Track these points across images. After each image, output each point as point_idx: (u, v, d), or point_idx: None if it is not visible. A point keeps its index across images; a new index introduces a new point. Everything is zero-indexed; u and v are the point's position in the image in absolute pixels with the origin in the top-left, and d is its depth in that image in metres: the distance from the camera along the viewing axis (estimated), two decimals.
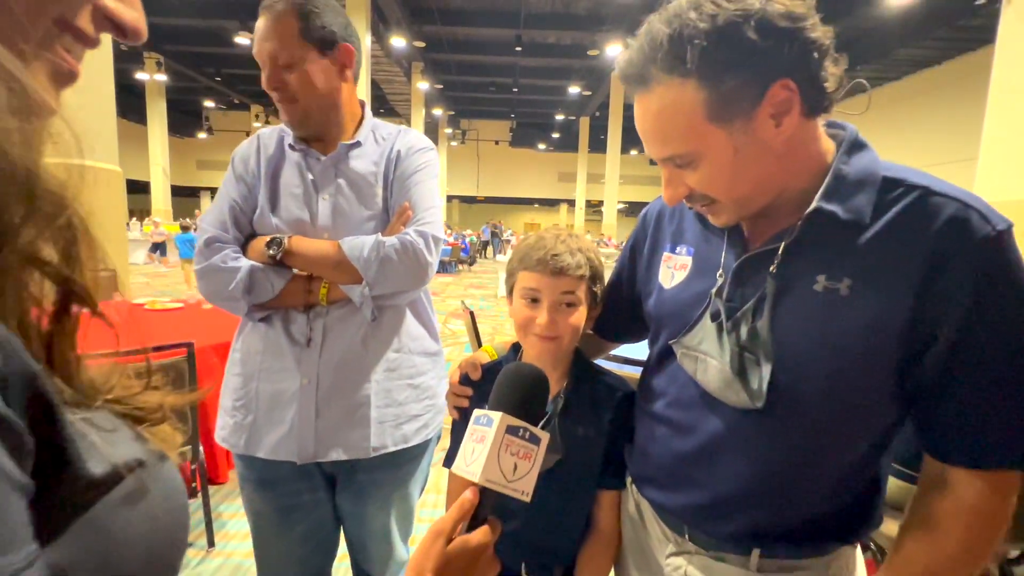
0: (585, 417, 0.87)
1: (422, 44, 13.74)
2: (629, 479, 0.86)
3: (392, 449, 1.07)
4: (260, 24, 1.00)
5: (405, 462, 1.12)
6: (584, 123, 21.43)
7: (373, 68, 13.38)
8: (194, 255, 1.05)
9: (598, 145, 21.81)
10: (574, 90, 17.23)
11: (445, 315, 7.16)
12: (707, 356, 0.68)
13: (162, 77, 15.64)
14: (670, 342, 0.74)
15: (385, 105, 22.34)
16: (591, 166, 21.72)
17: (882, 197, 0.61)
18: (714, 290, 0.70)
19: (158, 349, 1.72)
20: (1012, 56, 4.06)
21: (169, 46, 14.39)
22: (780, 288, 0.64)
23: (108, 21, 0.35)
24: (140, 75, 15.58)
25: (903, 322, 0.58)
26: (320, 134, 1.09)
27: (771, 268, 0.64)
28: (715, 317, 0.69)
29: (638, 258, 0.88)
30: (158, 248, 12.53)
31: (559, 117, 22.71)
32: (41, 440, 0.25)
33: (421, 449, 1.14)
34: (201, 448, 1.95)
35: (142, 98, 16.75)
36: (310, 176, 1.08)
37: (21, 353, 0.24)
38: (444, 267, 12.95)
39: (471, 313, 2.50)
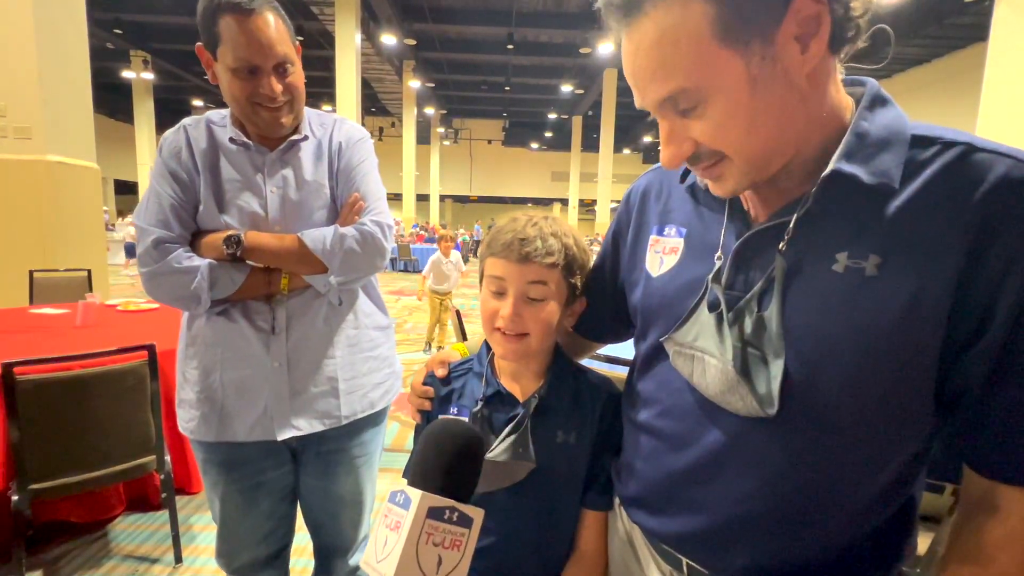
0: (565, 421, 0.77)
1: (413, 42, 13.63)
2: (616, 500, 0.77)
3: (361, 415, 1.14)
4: (254, 26, 0.95)
5: (370, 427, 1.19)
6: (577, 122, 21.37)
7: (364, 66, 13.25)
8: (140, 257, 1.00)
9: (591, 144, 21.76)
10: (566, 88, 17.16)
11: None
12: (704, 354, 0.58)
13: (149, 75, 15.40)
14: (661, 339, 0.64)
15: (376, 104, 22.19)
16: (584, 165, 21.65)
17: (913, 157, 0.51)
18: (711, 275, 0.60)
19: (116, 352, 1.61)
20: (1005, 51, 4.03)
21: (156, 44, 14.16)
22: (792, 269, 0.54)
23: None
24: (127, 73, 15.33)
25: (945, 306, 0.48)
26: (269, 126, 1.05)
27: (780, 246, 0.54)
28: (713, 307, 0.59)
29: (621, 244, 0.78)
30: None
31: (552, 116, 22.63)
32: None
33: (383, 414, 1.23)
34: (168, 457, 1.84)
35: (129, 97, 16.49)
36: (255, 170, 1.07)
37: None
38: None
39: (457, 312, 2.43)
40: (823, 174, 0.52)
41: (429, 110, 20.61)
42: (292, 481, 1.17)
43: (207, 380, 1.05)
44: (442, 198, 25.13)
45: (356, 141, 1.14)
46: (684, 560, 0.63)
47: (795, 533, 0.56)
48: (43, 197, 3.94)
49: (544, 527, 0.77)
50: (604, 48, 11.85)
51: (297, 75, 1.04)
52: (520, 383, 0.81)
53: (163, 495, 1.86)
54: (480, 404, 0.78)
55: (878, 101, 0.55)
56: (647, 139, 24.48)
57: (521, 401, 0.78)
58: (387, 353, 1.22)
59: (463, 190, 28.88)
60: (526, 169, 28.77)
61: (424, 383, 0.85)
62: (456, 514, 0.49)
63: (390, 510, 0.50)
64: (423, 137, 21.20)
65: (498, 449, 0.74)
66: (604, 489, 0.78)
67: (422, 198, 21.43)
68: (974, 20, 9.70)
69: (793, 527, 0.56)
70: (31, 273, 3.48)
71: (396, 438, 3.08)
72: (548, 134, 26.22)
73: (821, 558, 0.56)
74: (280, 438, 1.06)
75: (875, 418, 0.52)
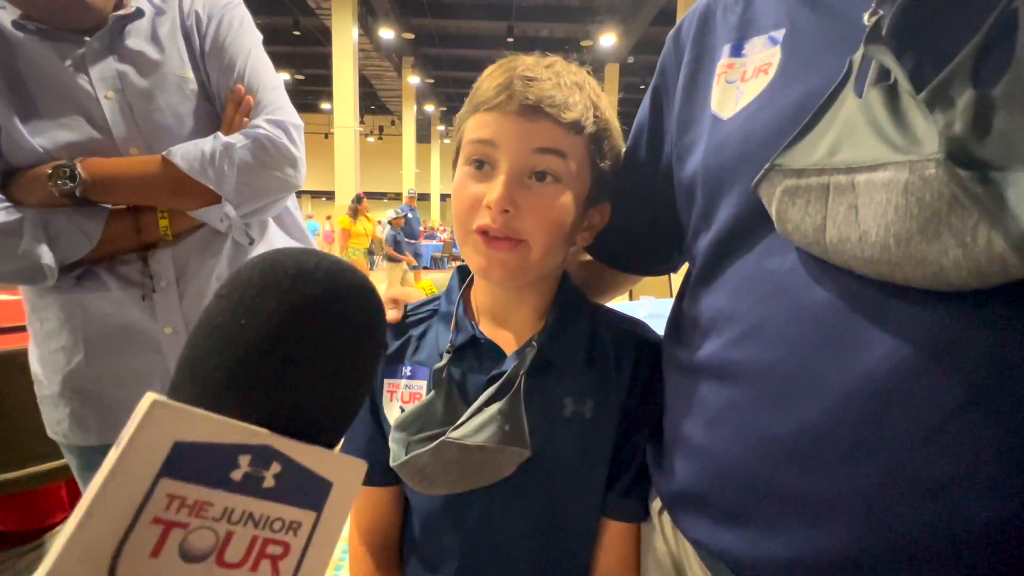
0: (576, 383, 0.51)
1: (411, 36, 13.43)
2: (656, 504, 0.50)
3: None
4: None
5: None
6: None
7: (362, 63, 13.05)
8: None
9: None
10: None
11: None
12: (857, 173, 0.31)
13: None
14: (755, 183, 0.37)
15: (376, 102, 22.03)
16: None
17: None
18: (866, 35, 0.34)
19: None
20: None
21: None
22: None
23: None
24: None
25: None
26: (64, 9, 0.72)
27: None
28: (883, 79, 0.33)
29: (666, 104, 0.52)
30: None
31: None
32: None
33: None
34: None
35: None
36: (74, 68, 0.73)
37: None
38: (436, 263, 12.68)
39: None
40: None
41: (429, 107, 20.41)
42: None
43: (71, 365, 0.77)
44: (443, 197, 24.90)
45: (223, 6, 0.82)
46: None
47: None
48: None
49: (544, 547, 0.50)
50: (606, 41, 11.60)
51: None
52: (508, 327, 0.54)
53: None
54: (446, 357, 0.51)
55: None
56: None
57: (509, 354, 0.52)
58: None
59: None
60: None
61: None
62: (272, 463, 0.18)
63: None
64: (423, 136, 21.00)
65: (472, 425, 0.47)
66: (635, 489, 0.51)
67: (423, 197, 21.22)
68: None
69: None
70: None
71: None
72: None
73: None
74: None
75: None
